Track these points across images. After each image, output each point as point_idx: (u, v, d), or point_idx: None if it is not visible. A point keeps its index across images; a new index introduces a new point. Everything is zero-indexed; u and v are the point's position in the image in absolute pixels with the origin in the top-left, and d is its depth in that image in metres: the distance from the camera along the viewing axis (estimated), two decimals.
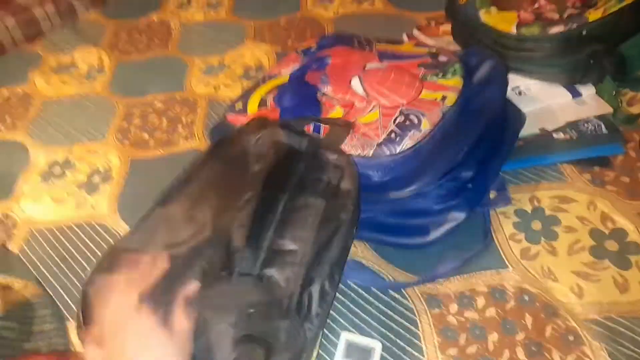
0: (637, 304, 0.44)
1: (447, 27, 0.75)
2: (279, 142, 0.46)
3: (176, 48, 0.90)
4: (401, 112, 0.49)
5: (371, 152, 0.47)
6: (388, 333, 0.45)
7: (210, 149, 0.48)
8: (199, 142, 0.68)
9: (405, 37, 0.78)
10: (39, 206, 0.64)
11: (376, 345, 0.43)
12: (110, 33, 0.98)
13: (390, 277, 0.49)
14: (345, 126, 0.49)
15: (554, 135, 0.58)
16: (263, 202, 0.41)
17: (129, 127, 0.73)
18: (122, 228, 0.59)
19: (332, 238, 0.41)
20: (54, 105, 0.81)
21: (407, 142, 0.47)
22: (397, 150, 0.47)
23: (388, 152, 0.47)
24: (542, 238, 0.50)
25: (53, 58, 0.92)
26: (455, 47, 0.71)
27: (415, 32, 0.78)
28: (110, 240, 0.58)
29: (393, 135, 0.48)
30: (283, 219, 0.41)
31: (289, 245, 0.39)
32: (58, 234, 0.59)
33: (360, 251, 0.52)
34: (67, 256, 0.57)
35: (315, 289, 0.39)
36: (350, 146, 0.48)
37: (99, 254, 0.56)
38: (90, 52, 0.93)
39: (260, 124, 0.49)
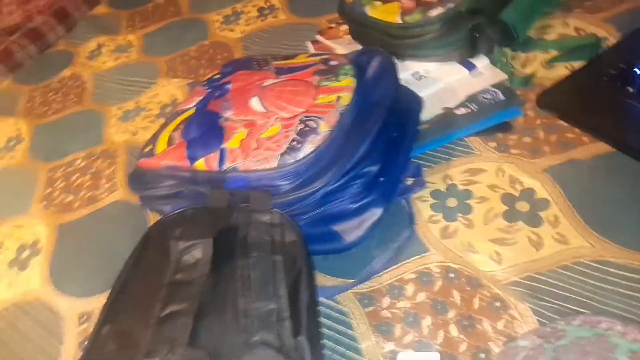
0: (551, 258, 0.46)
1: (346, 27, 0.77)
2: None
3: (91, 101, 0.89)
4: (300, 120, 0.50)
5: (275, 164, 0.48)
6: (326, 342, 0.46)
7: (134, 255, 0.47)
8: (123, 193, 0.68)
9: (309, 45, 0.80)
10: None
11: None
12: (24, 99, 0.96)
13: (324, 285, 0.50)
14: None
15: (456, 111, 0.60)
16: (216, 282, 0.41)
17: (53, 193, 0.72)
18: (56, 299, 0.58)
19: (298, 285, 0.42)
20: None
21: (308, 147, 0.48)
22: (300, 157, 0.48)
23: (292, 160, 0.48)
24: (459, 214, 0.51)
25: None
26: (355, 45, 0.73)
27: (318, 37, 0.80)
28: (46, 314, 0.57)
29: (295, 143, 0.49)
30: (247, 285, 0.41)
31: (267, 305, 0.40)
32: None
33: None
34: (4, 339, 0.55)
35: (302, 338, 0.38)
36: (254, 162, 0.49)
37: (38, 331, 0.55)
38: (6, 123, 0.91)
39: (192, 232, 0.48)
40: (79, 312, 0.56)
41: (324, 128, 0.49)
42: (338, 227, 0.51)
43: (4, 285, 0.62)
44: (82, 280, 0.58)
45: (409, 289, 0.47)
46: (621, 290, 0.42)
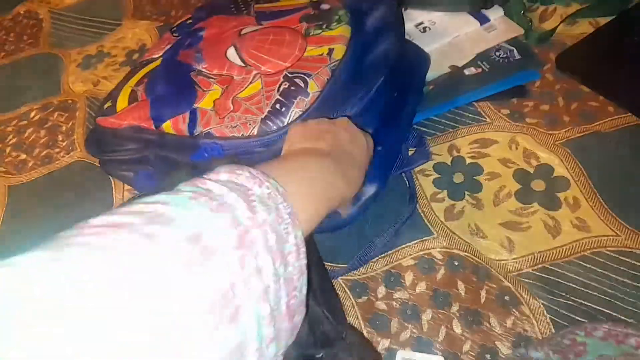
0: (569, 247, 0.40)
1: None
2: None
3: (48, 43, 0.78)
4: (285, 77, 0.43)
5: (255, 130, 0.41)
6: None
7: None
8: (81, 152, 0.60)
9: None
10: None
11: None
12: None
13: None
14: None
15: (465, 71, 0.52)
16: None
17: (4, 149, 0.63)
18: None
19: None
20: None
21: (295, 111, 0.41)
22: (285, 123, 0.41)
23: (275, 127, 0.41)
24: (466, 192, 0.45)
25: None
26: None
27: None
28: None
29: (278, 105, 0.41)
30: None
31: None
32: None
33: None
34: None
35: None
36: (232, 127, 0.41)
37: None
38: None
39: None
40: None
41: (313, 88, 0.42)
42: None
43: None
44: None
45: (408, 277, 0.42)
46: None
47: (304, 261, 0.24)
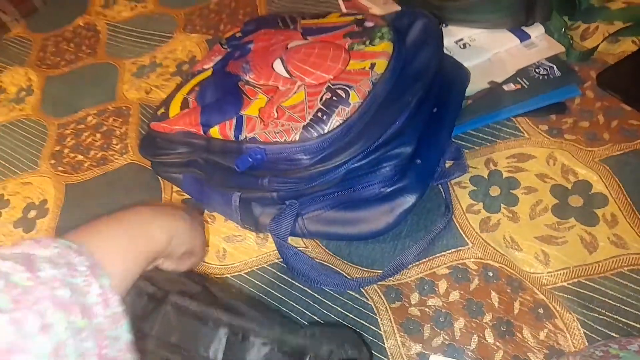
0: (605, 263, 0.40)
1: None
2: None
3: (105, 53, 0.84)
4: (328, 88, 0.45)
5: (297, 137, 0.43)
6: None
7: None
8: (134, 155, 0.64)
9: (340, 2, 0.72)
10: None
11: None
12: (36, 48, 0.91)
13: (347, 276, 0.46)
14: None
15: (505, 87, 0.53)
16: None
17: (63, 150, 0.68)
18: None
19: None
20: None
21: (335, 120, 0.43)
22: (326, 130, 0.43)
23: (316, 134, 0.43)
24: (502, 205, 0.46)
25: None
26: (392, 5, 0.65)
27: None
28: None
29: (320, 114, 0.43)
30: None
31: None
32: None
33: (312, 249, 0.49)
34: None
35: None
36: (274, 133, 0.44)
37: None
38: (17, 73, 0.86)
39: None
40: None
41: (355, 99, 0.44)
42: (367, 213, 0.46)
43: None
44: None
45: (441, 285, 0.43)
46: None
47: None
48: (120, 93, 0.74)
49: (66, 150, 0.68)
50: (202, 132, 0.48)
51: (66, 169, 0.66)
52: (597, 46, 0.54)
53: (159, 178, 0.58)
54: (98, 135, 0.69)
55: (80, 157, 0.66)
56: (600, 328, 0.38)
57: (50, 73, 0.84)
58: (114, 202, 0.59)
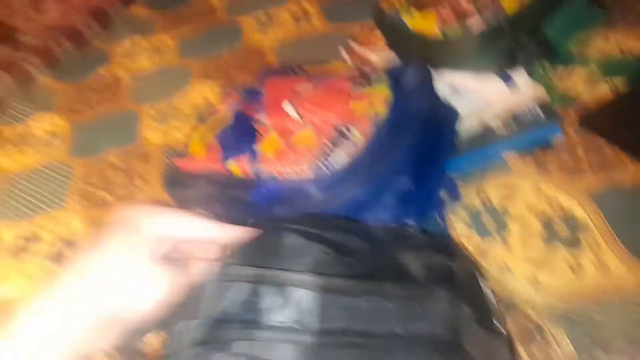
0: (592, 286, 0.44)
1: (381, 34, 0.76)
2: None
3: (126, 99, 0.91)
4: (335, 128, 0.51)
5: (309, 171, 0.48)
6: None
7: None
8: (155, 191, 0.69)
9: (343, 51, 0.79)
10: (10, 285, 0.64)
11: None
12: (62, 95, 0.98)
13: None
14: None
15: (494, 126, 0.58)
16: None
17: (88, 188, 0.74)
18: None
19: None
20: (15, 178, 0.81)
21: (343, 156, 0.48)
22: (334, 166, 0.48)
23: (325, 169, 0.48)
24: (494, 232, 0.50)
25: (8, 130, 0.93)
26: (389, 53, 0.72)
27: (352, 44, 0.79)
28: None
29: (327, 150, 0.49)
30: None
31: None
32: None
33: None
34: None
35: None
36: (287, 168, 0.49)
37: None
38: (44, 118, 0.93)
39: None
40: None
41: (357, 137, 0.49)
42: None
43: (44, 280, 0.63)
44: None
45: None
46: None
47: None
48: (141, 135, 0.80)
49: (92, 188, 0.74)
50: (221, 167, 0.53)
51: (92, 205, 0.71)
52: (576, 89, 0.60)
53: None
54: (121, 174, 0.74)
55: (104, 194, 0.72)
56: (591, 349, 0.41)
57: (75, 118, 0.90)
58: None
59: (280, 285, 0.31)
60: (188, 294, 0.32)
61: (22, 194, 0.77)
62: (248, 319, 0.30)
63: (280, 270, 0.32)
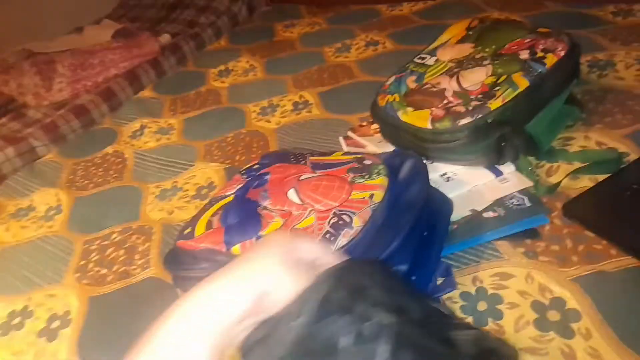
0: None
1: (377, 126, 0.82)
2: None
3: (131, 177, 0.94)
4: (334, 214, 0.53)
5: None
6: None
7: None
8: (155, 270, 0.70)
9: (341, 140, 0.85)
10: None
11: None
12: (67, 171, 1.02)
13: None
14: None
15: (484, 214, 0.62)
16: None
17: (87, 265, 0.74)
18: None
19: None
20: (12, 252, 0.82)
21: (341, 240, 0.51)
22: (334, 249, 0.50)
23: None
24: (489, 318, 0.52)
25: (12, 204, 0.95)
26: (385, 143, 0.77)
27: (349, 133, 0.85)
28: None
29: (328, 235, 0.51)
30: None
31: None
32: None
33: None
34: None
35: None
36: None
37: None
38: (48, 193, 0.96)
39: None
40: None
41: (357, 223, 0.52)
42: None
43: (31, 356, 0.62)
44: (110, 357, 0.59)
45: None
46: None
47: None
48: (144, 213, 0.83)
49: (90, 265, 0.74)
50: (225, 250, 0.55)
51: (90, 282, 0.71)
52: (560, 182, 0.64)
53: (180, 291, 0.64)
54: (121, 251, 0.75)
55: (104, 271, 0.72)
56: None
57: (78, 194, 0.93)
58: (134, 315, 0.63)
59: None
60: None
61: (20, 268, 0.77)
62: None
63: None
